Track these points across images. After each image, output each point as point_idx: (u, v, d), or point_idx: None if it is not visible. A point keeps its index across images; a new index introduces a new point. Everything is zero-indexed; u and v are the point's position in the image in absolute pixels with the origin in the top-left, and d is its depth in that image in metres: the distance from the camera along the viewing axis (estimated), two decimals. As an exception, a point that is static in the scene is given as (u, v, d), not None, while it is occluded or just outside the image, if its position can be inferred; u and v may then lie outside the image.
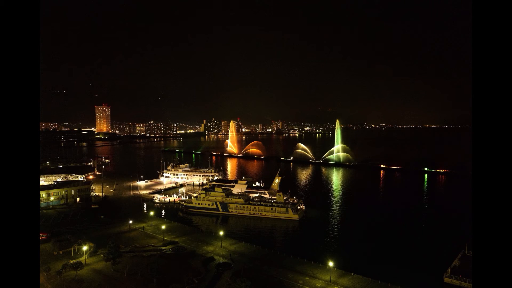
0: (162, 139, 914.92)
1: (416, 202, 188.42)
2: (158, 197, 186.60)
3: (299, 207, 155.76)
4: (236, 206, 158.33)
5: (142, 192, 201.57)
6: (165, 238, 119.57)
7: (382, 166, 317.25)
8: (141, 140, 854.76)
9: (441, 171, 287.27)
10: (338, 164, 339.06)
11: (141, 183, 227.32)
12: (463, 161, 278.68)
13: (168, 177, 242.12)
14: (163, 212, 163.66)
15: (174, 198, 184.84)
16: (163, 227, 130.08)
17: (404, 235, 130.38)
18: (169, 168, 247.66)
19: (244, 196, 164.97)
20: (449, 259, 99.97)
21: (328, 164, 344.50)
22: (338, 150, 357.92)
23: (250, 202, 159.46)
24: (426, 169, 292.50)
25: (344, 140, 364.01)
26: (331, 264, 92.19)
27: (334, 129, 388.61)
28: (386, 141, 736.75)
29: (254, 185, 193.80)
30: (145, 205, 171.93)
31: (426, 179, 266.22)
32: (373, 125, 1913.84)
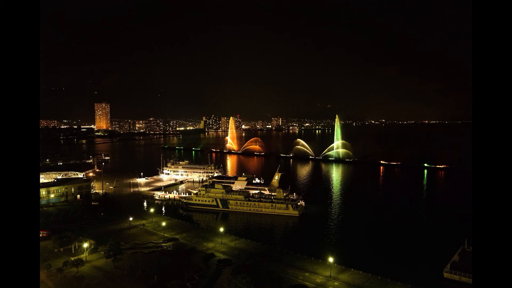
0: (162, 136, 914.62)
1: (415, 198, 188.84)
2: (158, 194, 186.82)
3: (299, 204, 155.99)
4: (236, 203, 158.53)
5: (142, 189, 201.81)
6: (165, 235, 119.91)
7: (381, 162, 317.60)
8: (141, 137, 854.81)
9: (440, 166, 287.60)
10: (338, 160, 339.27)
11: (141, 180, 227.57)
12: (462, 157, 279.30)
13: (168, 174, 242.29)
14: (163, 209, 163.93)
15: (174, 195, 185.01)
16: (164, 224, 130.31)
17: (403, 231, 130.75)
18: (169, 165, 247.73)
19: (244, 192, 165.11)
20: (448, 254, 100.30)
21: (328, 160, 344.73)
22: (337, 146, 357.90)
23: (250, 198, 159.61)
24: (425, 164, 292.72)
25: (343, 136, 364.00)
26: (331, 259, 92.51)
27: (334, 125, 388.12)
28: (385, 137, 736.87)
29: (254, 181, 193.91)
30: (145, 202, 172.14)
31: (425, 175, 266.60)
32: (373, 121, 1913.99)
